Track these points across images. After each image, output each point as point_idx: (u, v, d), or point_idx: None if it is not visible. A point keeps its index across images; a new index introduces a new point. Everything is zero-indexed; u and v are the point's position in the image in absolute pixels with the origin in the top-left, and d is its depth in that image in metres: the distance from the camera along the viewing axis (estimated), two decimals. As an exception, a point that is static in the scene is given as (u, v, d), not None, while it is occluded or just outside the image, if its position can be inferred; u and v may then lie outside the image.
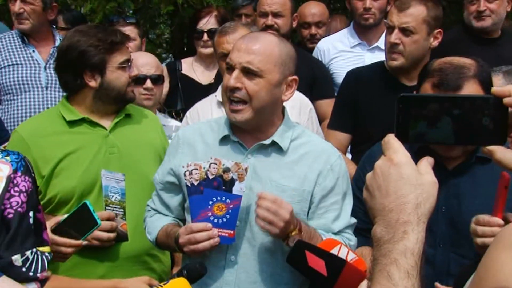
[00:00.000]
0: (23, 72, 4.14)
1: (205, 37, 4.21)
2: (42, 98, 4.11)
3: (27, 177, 2.07)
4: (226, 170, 2.34)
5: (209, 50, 4.20)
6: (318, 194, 2.44)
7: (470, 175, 2.50)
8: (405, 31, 3.37)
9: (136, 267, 2.87)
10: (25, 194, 2.03)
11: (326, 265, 2.15)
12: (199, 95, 3.88)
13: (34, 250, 2.07)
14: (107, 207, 2.77)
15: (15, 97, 4.10)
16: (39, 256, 2.08)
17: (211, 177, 2.35)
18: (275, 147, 2.46)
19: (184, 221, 2.60)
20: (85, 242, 2.52)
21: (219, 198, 2.33)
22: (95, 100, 2.92)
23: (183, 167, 2.37)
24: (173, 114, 3.92)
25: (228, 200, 2.34)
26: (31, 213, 2.07)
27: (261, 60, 2.36)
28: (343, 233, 2.48)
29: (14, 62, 4.16)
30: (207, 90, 4.02)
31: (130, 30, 4.44)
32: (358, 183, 2.72)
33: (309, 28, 4.74)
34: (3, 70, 4.14)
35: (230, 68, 2.38)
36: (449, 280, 2.38)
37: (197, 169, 2.35)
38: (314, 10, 4.78)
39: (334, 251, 2.20)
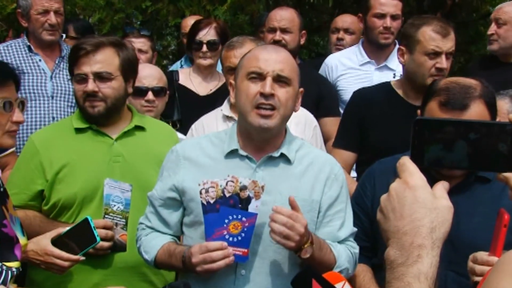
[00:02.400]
0: (29, 81, 4.14)
1: (204, 48, 4.16)
2: (48, 107, 4.10)
3: None
4: (243, 188, 2.32)
5: (208, 61, 4.18)
6: (325, 203, 2.45)
7: (469, 194, 2.51)
8: (448, 55, 3.36)
9: (133, 278, 2.83)
10: None
11: None
12: (196, 106, 3.88)
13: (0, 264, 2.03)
14: (106, 216, 2.75)
15: None
16: (4, 271, 2.05)
17: (227, 195, 2.32)
18: (283, 159, 2.46)
19: (179, 238, 2.58)
20: (82, 258, 2.50)
21: (235, 217, 2.31)
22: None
23: (199, 185, 2.34)
24: (170, 124, 3.88)
25: (244, 218, 2.31)
26: None
27: (290, 69, 2.42)
28: (347, 241, 2.50)
29: (21, 71, 4.12)
30: (204, 101, 4.02)
31: (142, 43, 4.49)
32: (357, 200, 2.74)
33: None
34: None
35: (258, 77, 2.39)
36: None
37: (213, 187, 2.33)
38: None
39: (338, 286, 2.17)
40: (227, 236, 2.31)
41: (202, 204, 2.33)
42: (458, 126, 1.25)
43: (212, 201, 2.32)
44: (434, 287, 1.19)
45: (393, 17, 4.31)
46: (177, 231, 2.56)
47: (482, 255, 2.17)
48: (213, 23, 4.27)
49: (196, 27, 4.27)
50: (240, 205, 2.32)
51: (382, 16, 4.32)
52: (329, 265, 2.38)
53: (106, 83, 2.85)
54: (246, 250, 2.32)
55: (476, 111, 2.41)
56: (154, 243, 2.51)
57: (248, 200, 2.32)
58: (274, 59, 2.40)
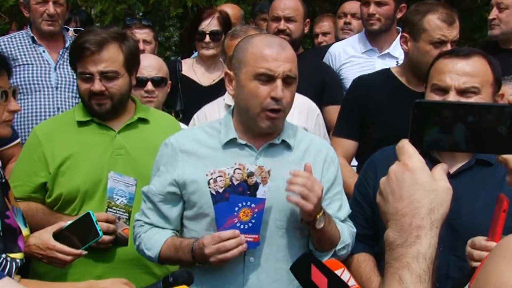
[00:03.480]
0: (33, 72, 4.14)
1: (207, 38, 4.15)
2: (52, 98, 4.10)
3: None
4: (250, 174, 2.32)
5: (211, 51, 4.17)
6: (324, 186, 2.44)
7: (471, 179, 2.51)
8: (452, 43, 3.36)
9: (136, 270, 2.83)
10: None
11: (328, 284, 2.13)
12: (199, 96, 3.87)
13: (4, 256, 2.03)
14: (108, 209, 2.74)
15: (25, 97, 4.09)
16: (8, 262, 2.04)
17: (235, 182, 2.32)
18: (283, 145, 2.48)
19: (179, 232, 2.56)
20: (84, 252, 2.49)
21: (244, 203, 2.31)
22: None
23: (206, 175, 2.32)
24: (172, 114, 3.88)
25: (253, 205, 2.32)
26: None
27: (295, 66, 2.41)
28: (346, 221, 2.55)
29: (25, 62, 4.16)
30: (207, 91, 4.02)
31: (146, 34, 4.43)
32: (360, 189, 2.75)
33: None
34: (13, 69, 4.05)
35: (268, 78, 2.35)
36: (448, 283, 2.39)
37: (221, 176, 2.32)
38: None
39: (337, 272, 2.17)
40: (238, 224, 2.31)
41: (212, 194, 2.32)
42: (457, 108, 1.25)
43: (221, 190, 2.32)
44: (433, 268, 1.20)
45: (378, 4, 4.31)
46: (177, 226, 2.54)
47: (480, 240, 2.17)
48: (215, 13, 4.24)
49: (199, 18, 4.25)
50: (248, 192, 2.32)
51: (367, 3, 4.35)
52: (335, 239, 2.42)
53: (112, 81, 2.82)
54: (257, 236, 2.33)
55: (479, 64, 2.49)
56: (156, 239, 2.49)
57: (255, 186, 2.32)
58: (282, 59, 2.35)
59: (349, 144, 3.58)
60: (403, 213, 1.22)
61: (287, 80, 2.37)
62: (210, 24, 4.17)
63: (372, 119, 3.53)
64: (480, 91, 2.47)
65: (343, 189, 2.58)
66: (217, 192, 2.32)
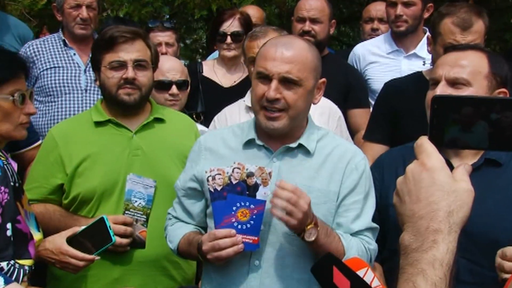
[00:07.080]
0: (64, 74, 4.17)
1: (229, 40, 4.09)
2: (82, 101, 4.12)
3: (2, 188, 2.01)
4: (250, 174, 2.29)
5: (232, 53, 4.11)
6: (342, 193, 2.39)
7: (480, 179, 2.41)
8: None
9: (153, 272, 2.82)
10: None
11: (351, 286, 2.05)
12: (220, 97, 3.82)
13: (12, 262, 2.00)
14: (126, 212, 2.73)
15: (55, 99, 4.12)
16: (16, 269, 2.02)
17: (234, 182, 2.30)
18: (302, 149, 2.42)
19: (205, 228, 2.55)
20: (97, 258, 2.47)
21: (242, 204, 2.28)
22: (105, 101, 2.92)
23: (206, 172, 2.33)
24: (193, 116, 3.85)
25: (252, 206, 2.28)
26: (8, 225, 2.02)
27: (299, 68, 2.33)
28: (362, 235, 2.41)
29: (56, 65, 4.19)
30: (228, 93, 3.96)
31: (169, 36, 4.42)
32: None
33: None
34: (45, 72, 4.18)
35: (265, 78, 2.33)
36: (458, 287, 2.30)
37: (220, 174, 2.31)
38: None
39: (360, 273, 2.09)
40: (235, 224, 2.28)
41: (210, 191, 2.32)
42: (479, 103, 1.18)
43: (219, 188, 2.31)
44: (451, 274, 1.13)
45: (405, 4, 4.21)
46: (201, 222, 2.53)
47: (511, 251, 2.08)
48: (237, 14, 4.19)
49: (220, 19, 4.21)
50: (247, 192, 2.29)
51: (393, 4, 4.26)
52: (336, 255, 2.26)
53: (143, 71, 2.85)
54: (256, 238, 2.29)
55: (473, 56, 2.46)
56: (177, 233, 2.51)
57: (255, 187, 2.29)
58: (281, 59, 2.31)
59: (380, 149, 3.50)
60: (419, 216, 1.15)
61: (286, 81, 2.32)
62: (231, 25, 4.12)
63: (403, 122, 3.46)
64: (470, 83, 2.40)
65: (371, 201, 2.45)
66: (215, 189, 2.31)
